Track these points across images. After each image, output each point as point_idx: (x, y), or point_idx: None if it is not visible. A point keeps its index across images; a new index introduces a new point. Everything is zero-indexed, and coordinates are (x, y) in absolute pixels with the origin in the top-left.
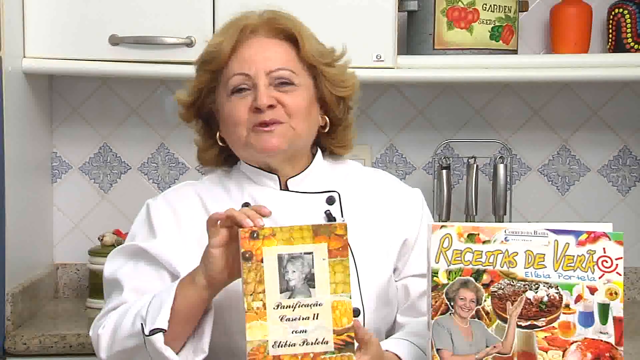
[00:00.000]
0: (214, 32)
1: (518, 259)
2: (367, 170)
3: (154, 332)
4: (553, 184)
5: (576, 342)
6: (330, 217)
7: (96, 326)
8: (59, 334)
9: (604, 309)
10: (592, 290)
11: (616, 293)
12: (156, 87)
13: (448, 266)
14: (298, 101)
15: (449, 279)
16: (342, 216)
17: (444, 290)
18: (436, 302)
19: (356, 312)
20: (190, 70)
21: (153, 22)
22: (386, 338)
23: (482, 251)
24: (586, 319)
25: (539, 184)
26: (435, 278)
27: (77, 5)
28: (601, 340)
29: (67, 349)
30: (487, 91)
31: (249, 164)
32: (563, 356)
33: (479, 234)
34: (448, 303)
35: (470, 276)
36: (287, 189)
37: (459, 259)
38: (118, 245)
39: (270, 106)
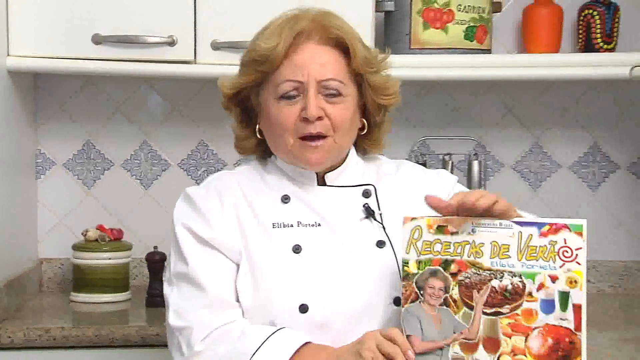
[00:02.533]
0: (195, 31)
1: (484, 250)
2: (393, 162)
3: None
4: (525, 179)
5: (538, 328)
6: (368, 210)
7: (186, 327)
8: (43, 327)
9: (564, 296)
10: (553, 279)
11: (576, 281)
12: (139, 85)
13: (418, 256)
14: (344, 114)
15: (419, 268)
16: (379, 209)
17: (414, 280)
18: (407, 290)
19: (398, 301)
20: (172, 69)
21: (135, 22)
22: None
23: (450, 242)
24: (547, 306)
25: (512, 180)
26: (405, 267)
27: (60, 5)
28: (561, 326)
29: (52, 342)
30: (462, 90)
31: (288, 162)
32: (526, 341)
33: (447, 226)
34: (418, 291)
35: (439, 266)
36: (324, 183)
37: (429, 249)
38: (102, 241)
39: (319, 118)
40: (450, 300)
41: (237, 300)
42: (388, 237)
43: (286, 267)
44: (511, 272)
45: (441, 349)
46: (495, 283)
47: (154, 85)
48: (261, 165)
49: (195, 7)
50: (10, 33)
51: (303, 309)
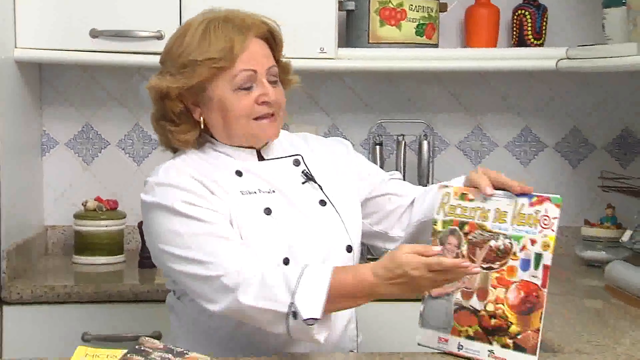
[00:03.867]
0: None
1: (489, 215)
2: (298, 135)
3: (307, 320)
4: (468, 157)
5: (516, 282)
6: (307, 175)
7: (228, 271)
8: (48, 285)
9: (538, 257)
10: (533, 242)
11: (548, 245)
12: (132, 75)
13: (444, 217)
14: (283, 95)
15: (443, 227)
16: (311, 173)
17: (439, 237)
18: (433, 244)
19: (349, 249)
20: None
21: (128, 18)
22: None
23: (467, 207)
24: (525, 265)
25: (456, 157)
26: (434, 226)
27: (62, 2)
28: (532, 282)
29: (56, 298)
30: (414, 79)
31: (229, 145)
32: (505, 293)
33: (468, 194)
34: (440, 246)
35: (457, 226)
36: (262, 158)
37: (452, 212)
38: (99, 210)
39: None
40: (461, 255)
41: None
42: (327, 197)
43: (265, 227)
44: (505, 234)
45: (449, 294)
46: (492, 243)
47: (145, 74)
48: (200, 153)
49: (180, 5)
50: (17, 27)
51: (286, 261)
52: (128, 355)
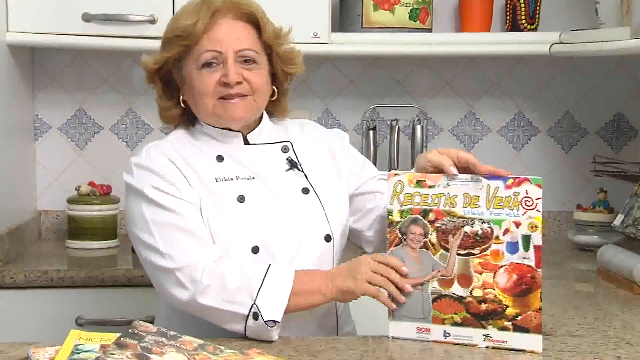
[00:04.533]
0: (173, 10)
1: (458, 200)
2: (296, 122)
3: (269, 322)
4: (461, 142)
5: (504, 266)
6: (292, 162)
7: (186, 265)
8: (42, 269)
9: (526, 239)
10: (517, 225)
11: (536, 226)
12: (124, 59)
13: (401, 207)
14: (261, 79)
15: (401, 217)
16: (298, 161)
17: (398, 227)
18: (391, 236)
19: (328, 238)
20: (153, 44)
21: (121, 1)
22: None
23: (428, 194)
24: (512, 248)
25: (450, 142)
26: (390, 217)
27: None
28: (524, 264)
29: (49, 282)
30: (407, 64)
31: (212, 126)
32: (494, 277)
33: (425, 180)
34: (401, 237)
35: (419, 214)
36: (247, 143)
37: (410, 201)
38: (92, 195)
39: (238, 82)
40: (429, 243)
41: None
42: (311, 185)
43: (235, 215)
44: (481, 219)
45: (422, 284)
46: (467, 229)
47: (137, 59)
48: (189, 133)
49: None
50: (10, 11)
51: (255, 250)
52: (121, 339)
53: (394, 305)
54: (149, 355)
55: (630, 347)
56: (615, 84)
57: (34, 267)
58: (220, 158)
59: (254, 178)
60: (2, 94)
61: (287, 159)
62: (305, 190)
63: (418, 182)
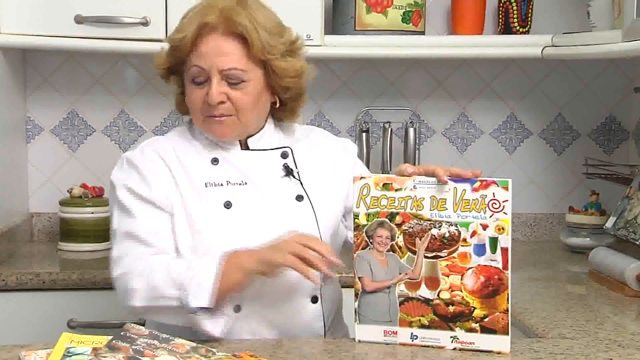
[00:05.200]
0: (166, 13)
1: (424, 203)
2: (304, 128)
3: (197, 309)
4: (454, 144)
5: (471, 268)
6: (287, 168)
7: (123, 273)
8: (33, 271)
9: (494, 241)
10: (484, 227)
11: (503, 229)
12: (117, 61)
13: (367, 210)
14: (245, 98)
15: (368, 220)
16: (296, 167)
17: (364, 230)
18: (358, 239)
19: None
20: (145, 46)
21: (113, 4)
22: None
23: (395, 197)
24: (479, 250)
25: (442, 144)
26: (356, 220)
27: None
28: (491, 266)
29: (41, 285)
30: (400, 66)
31: None
32: (461, 279)
33: (392, 183)
34: (367, 240)
35: (386, 218)
36: (247, 147)
37: (376, 204)
38: (85, 197)
39: (221, 102)
40: (396, 246)
41: (176, 251)
42: (306, 192)
43: (219, 221)
44: (448, 222)
45: (389, 287)
46: (434, 231)
47: (130, 61)
48: (189, 132)
49: None
50: (1, 13)
51: None
52: (113, 341)
53: (316, 279)
54: (140, 358)
55: (621, 349)
56: (607, 86)
57: (25, 269)
58: (215, 161)
59: (246, 183)
60: None
61: (283, 165)
62: (299, 198)
63: (384, 185)
